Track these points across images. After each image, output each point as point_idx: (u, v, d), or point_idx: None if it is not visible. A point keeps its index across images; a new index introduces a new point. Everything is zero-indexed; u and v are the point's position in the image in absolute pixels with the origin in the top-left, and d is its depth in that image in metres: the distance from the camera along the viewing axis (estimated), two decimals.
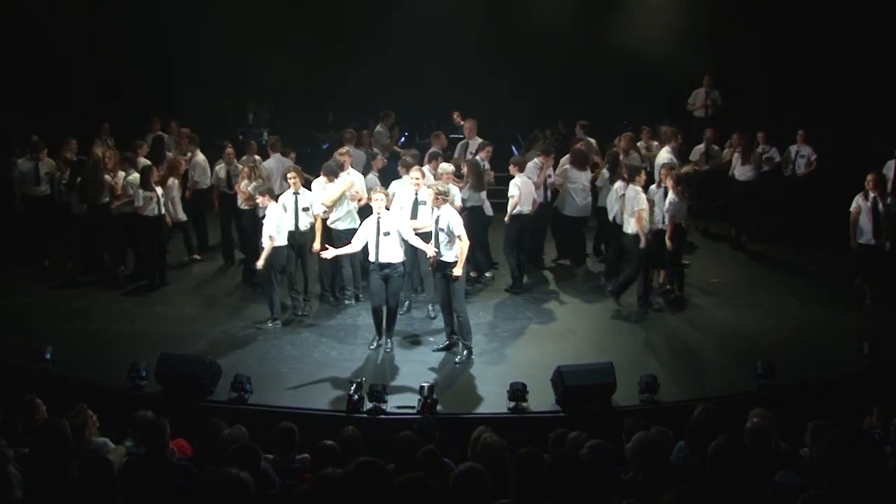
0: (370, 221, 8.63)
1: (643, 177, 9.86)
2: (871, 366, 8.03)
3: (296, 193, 9.66)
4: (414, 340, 9.13)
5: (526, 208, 10.44)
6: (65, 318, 9.79)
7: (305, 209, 9.67)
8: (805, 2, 14.12)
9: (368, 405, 7.37)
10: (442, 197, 8.42)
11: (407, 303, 9.74)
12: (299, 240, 9.71)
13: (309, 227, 9.73)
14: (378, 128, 13.28)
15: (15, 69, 13.40)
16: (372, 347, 8.75)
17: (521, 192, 10.32)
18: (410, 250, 9.33)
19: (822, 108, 13.42)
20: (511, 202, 10.35)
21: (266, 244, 9.26)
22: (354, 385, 7.43)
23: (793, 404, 7.35)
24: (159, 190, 10.57)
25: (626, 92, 15.52)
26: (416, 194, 9.34)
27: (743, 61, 14.79)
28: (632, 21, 14.81)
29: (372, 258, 8.59)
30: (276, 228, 9.31)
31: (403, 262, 8.76)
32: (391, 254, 8.57)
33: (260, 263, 9.29)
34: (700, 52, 14.57)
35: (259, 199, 9.45)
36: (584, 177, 11.11)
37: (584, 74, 15.80)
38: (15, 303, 10.23)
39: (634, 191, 9.68)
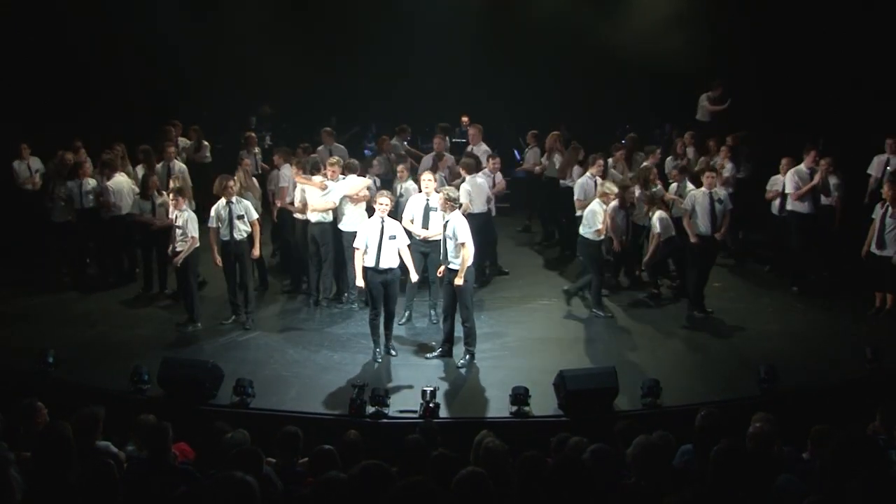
0: (374, 224, 8.58)
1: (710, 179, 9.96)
2: (874, 370, 8.02)
3: (229, 202, 9.33)
4: (416, 345, 9.12)
5: (478, 209, 10.36)
6: (66, 321, 9.80)
7: (240, 217, 9.35)
8: (804, 5, 14.14)
9: (371, 409, 7.36)
10: (451, 203, 8.36)
11: (407, 313, 9.71)
12: (234, 249, 9.39)
13: (245, 235, 9.42)
14: (393, 141, 13.29)
15: (17, 74, 13.46)
16: (379, 361, 8.65)
17: (472, 194, 10.27)
18: (418, 258, 9.34)
19: (819, 108, 13.43)
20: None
21: (187, 245, 9.33)
22: (357, 389, 7.42)
23: (795, 409, 7.34)
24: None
25: (628, 95, 15.53)
26: (428, 200, 9.25)
27: (741, 64, 14.81)
28: (633, 24, 14.84)
29: (372, 263, 8.51)
30: (198, 230, 9.40)
31: (400, 266, 8.72)
32: (392, 258, 8.56)
33: (178, 261, 9.37)
34: (701, 55, 14.58)
35: (173, 203, 9.45)
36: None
37: (587, 78, 15.82)
38: (17, 306, 10.24)
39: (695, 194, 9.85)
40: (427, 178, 9.35)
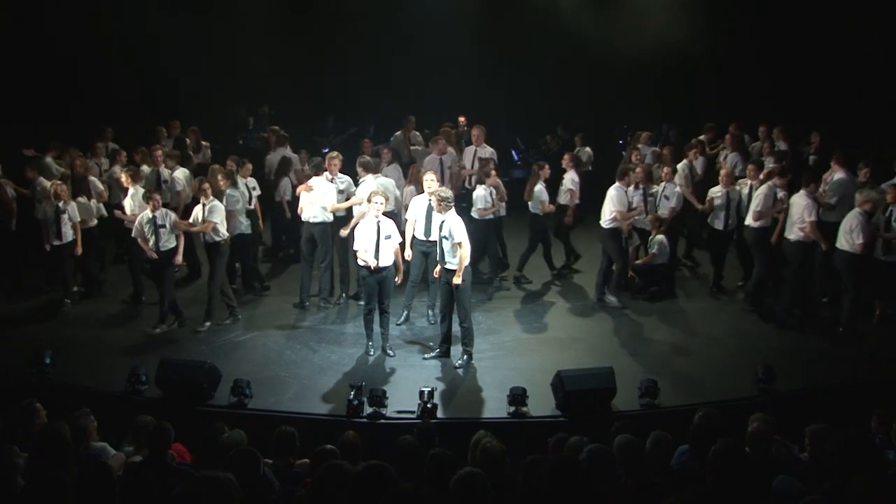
0: (369, 225, 8.56)
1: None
2: (872, 371, 8.03)
3: (203, 205, 9.42)
4: (414, 345, 9.12)
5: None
6: (64, 322, 9.80)
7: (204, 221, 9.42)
8: (805, 5, 14.18)
9: (368, 410, 7.36)
10: (445, 203, 8.37)
11: (406, 313, 9.72)
12: (208, 250, 9.62)
13: (214, 239, 9.45)
14: (398, 133, 13.32)
15: (17, 76, 13.43)
16: (371, 354, 8.72)
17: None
18: (420, 257, 9.34)
19: (821, 108, 13.45)
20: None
21: (177, 242, 9.51)
22: (354, 389, 7.42)
23: (793, 409, 7.34)
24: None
25: (628, 95, 15.55)
26: (430, 201, 9.11)
27: (742, 63, 14.85)
28: (632, 23, 14.87)
29: (371, 263, 8.50)
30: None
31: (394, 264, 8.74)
32: (388, 257, 8.57)
33: (178, 259, 9.54)
34: (701, 55, 14.63)
35: (151, 204, 9.34)
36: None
37: (585, 78, 15.85)
38: (14, 307, 10.22)
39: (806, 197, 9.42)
40: (430, 178, 9.33)
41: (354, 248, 8.69)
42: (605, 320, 9.93)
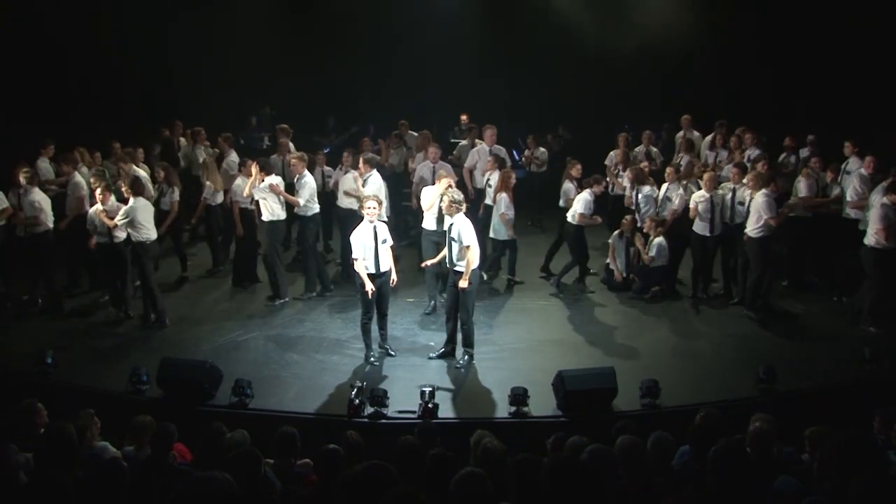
0: (366, 230, 8.43)
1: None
2: (873, 371, 8.02)
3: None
4: (416, 346, 9.12)
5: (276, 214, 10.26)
6: (65, 322, 9.80)
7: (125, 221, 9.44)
8: (805, 5, 14.18)
9: (369, 410, 7.37)
10: (456, 205, 8.35)
11: (433, 303, 9.86)
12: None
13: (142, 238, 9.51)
14: (395, 133, 13.58)
15: (16, 76, 13.43)
16: (372, 360, 8.64)
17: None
18: (433, 247, 9.45)
19: (823, 108, 13.44)
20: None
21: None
22: (355, 389, 7.42)
23: (794, 409, 7.34)
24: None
25: (627, 95, 15.55)
26: (441, 199, 9.07)
27: (742, 62, 14.86)
28: (632, 24, 14.89)
29: (371, 269, 8.40)
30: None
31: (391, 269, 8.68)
32: (386, 261, 8.53)
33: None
34: (700, 55, 14.62)
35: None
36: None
37: (585, 78, 15.85)
38: (16, 307, 10.22)
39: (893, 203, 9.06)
40: (444, 179, 9.52)
41: (353, 255, 8.51)
42: (607, 321, 9.93)
